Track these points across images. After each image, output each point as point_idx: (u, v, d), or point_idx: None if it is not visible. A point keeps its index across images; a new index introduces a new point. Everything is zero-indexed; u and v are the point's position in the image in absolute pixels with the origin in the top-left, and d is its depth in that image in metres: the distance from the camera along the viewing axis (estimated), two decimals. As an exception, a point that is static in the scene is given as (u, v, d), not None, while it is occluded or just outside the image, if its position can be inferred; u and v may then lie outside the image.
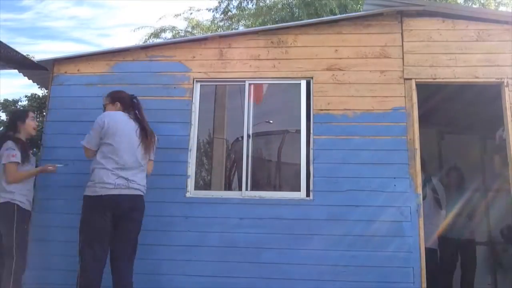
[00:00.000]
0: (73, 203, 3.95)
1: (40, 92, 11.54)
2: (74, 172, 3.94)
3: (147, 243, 3.56)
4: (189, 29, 14.62)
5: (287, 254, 3.79)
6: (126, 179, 3.25)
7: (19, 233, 3.52)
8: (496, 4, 12.71)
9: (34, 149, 3.96)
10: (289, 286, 3.74)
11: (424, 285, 3.66)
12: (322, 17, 9.83)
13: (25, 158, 3.68)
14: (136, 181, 3.31)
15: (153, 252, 3.81)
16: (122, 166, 3.26)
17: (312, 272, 3.74)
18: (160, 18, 21.82)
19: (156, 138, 3.58)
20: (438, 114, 5.80)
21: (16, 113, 4.28)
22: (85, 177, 3.94)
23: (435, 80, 4.06)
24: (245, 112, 4.18)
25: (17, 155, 3.60)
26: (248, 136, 4.16)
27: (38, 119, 10.71)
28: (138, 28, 14.74)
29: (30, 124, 3.87)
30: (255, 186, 4.17)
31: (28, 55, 4.33)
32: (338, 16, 4.73)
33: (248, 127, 4.16)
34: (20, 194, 3.61)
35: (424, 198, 4.15)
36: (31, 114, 3.93)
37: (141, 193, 3.37)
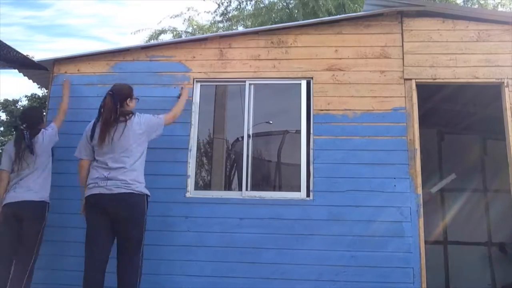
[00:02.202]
0: (73, 203, 3.97)
1: (40, 92, 11.56)
2: (74, 172, 3.94)
3: (147, 243, 3.54)
4: (189, 30, 14.63)
5: (287, 254, 3.79)
6: (105, 178, 3.23)
7: (43, 233, 3.57)
8: (495, 5, 12.71)
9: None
10: (289, 286, 3.74)
11: (424, 285, 3.66)
12: (319, 17, 9.86)
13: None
14: (120, 179, 3.21)
15: (153, 252, 3.79)
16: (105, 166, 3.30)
17: (312, 272, 3.74)
18: (160, 21, 21.86)
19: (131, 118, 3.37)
20: (438, 114, 5.80)
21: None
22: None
23: (435, 81, 4.06)
24: (245, 112, 4.18)
25: None
26: (248, 136, 4.16)
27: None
28: (138, 30, 14.77)
29: None
30: (255, 186, 4.17)
31: (27, 55, 4.32)
32: (339, 16, 4.72)
33: (248, 127, 4.16)
34: (48, 195, 3.68)
35: None
36: None
37: (129, 191, 3.21)
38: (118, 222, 3.20)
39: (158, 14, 30.94)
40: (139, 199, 3.27)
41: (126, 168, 3.25)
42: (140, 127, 3.38)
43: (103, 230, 3.21)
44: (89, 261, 3.16)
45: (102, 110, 3.38)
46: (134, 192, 3.23)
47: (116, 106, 3.36)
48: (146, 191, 3.34)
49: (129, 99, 3.49)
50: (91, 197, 3.24)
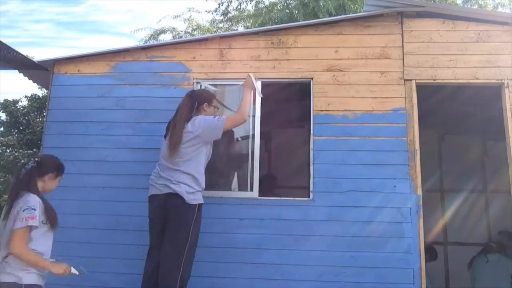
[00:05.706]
0: (72, 203, 3.97)
1: (40, 92, 11.56)
2: (74, 172, 3.94)
3: (147, 244, 3.55)
4: (189, 30, 14.65)
5: (287, 255, 3.79)
6: (158, 176, 3.39)
7: None
8: (495, 5, 12.73)
9: (34, 149, 3.95)
10: (289, 286, 3.74)
11: (424, 286, 3.66)
12: (319, 17, 9.87)
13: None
14: (167, 178, 3.32)
15: (153, 252, 3.80)
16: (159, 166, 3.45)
17: (312, 272, 3.74)
18: (160, 20, 21.82)
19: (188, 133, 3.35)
20: (438, 115, 5.80)
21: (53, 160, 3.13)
22: (84, 177, 3.94)
23: (435, 81, 4.06)
24: (245, 113, 4.17)
25: (37, 218, 2.66)
26: (251, 136, 4.15)
27: (38, 119, 10.72)
28: (138, 29, 14.80)
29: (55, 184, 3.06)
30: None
31: (27, 55, 4.32)
32: (339, 17, 4.72)
33: (249, 128, 4.16)
34: None
35: None
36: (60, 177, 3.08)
37: (172, 191, 3.29)
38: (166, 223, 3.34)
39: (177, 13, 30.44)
40: (176, 200, 3.29)
41: (180, 174, 3.33)
42: (193, 129, 3.36)
43: (156, 231, 3.38)
44: (147, 261, 3.45)
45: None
46: (176, 193, 3.29)
47: (192, 108, 3.47)
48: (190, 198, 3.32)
49: (206, 103, 3.56)
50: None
